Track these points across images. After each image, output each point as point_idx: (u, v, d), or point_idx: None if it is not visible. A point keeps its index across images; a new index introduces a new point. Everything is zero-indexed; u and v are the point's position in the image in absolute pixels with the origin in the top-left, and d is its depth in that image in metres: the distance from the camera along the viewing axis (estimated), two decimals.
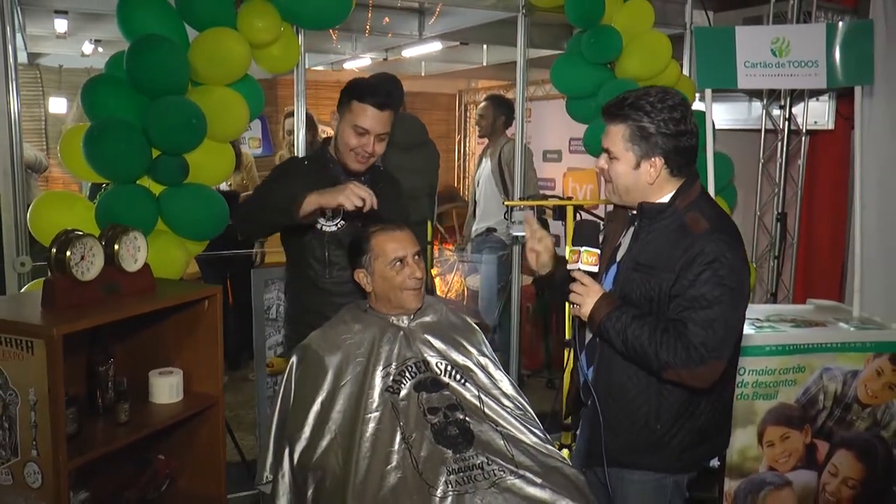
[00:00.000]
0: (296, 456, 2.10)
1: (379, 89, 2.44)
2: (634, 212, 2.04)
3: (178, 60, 2.75)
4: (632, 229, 2.05)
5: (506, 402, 2.24)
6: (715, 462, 2.99)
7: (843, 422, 3.05)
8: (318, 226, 2.51)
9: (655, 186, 1.96)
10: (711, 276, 1.85)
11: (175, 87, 2.78)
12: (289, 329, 2.71)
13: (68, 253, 1.99)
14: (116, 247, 2.14)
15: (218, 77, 2.89)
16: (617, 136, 1.95)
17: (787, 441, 3.01)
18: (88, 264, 2.06)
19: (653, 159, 1.93)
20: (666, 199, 1.97)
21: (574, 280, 1.99)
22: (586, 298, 1.97)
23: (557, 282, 2.16)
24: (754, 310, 3.41)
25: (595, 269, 1.99)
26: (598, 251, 1.99)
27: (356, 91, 2.45)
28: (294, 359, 2.27)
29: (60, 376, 1.83)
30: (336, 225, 2.52)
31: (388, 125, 2.47)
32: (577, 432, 2.22)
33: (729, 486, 2.98)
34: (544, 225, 3.85)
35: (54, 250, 2.01)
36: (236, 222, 2.59)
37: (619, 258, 2.06)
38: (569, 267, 2.01)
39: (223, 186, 4.72)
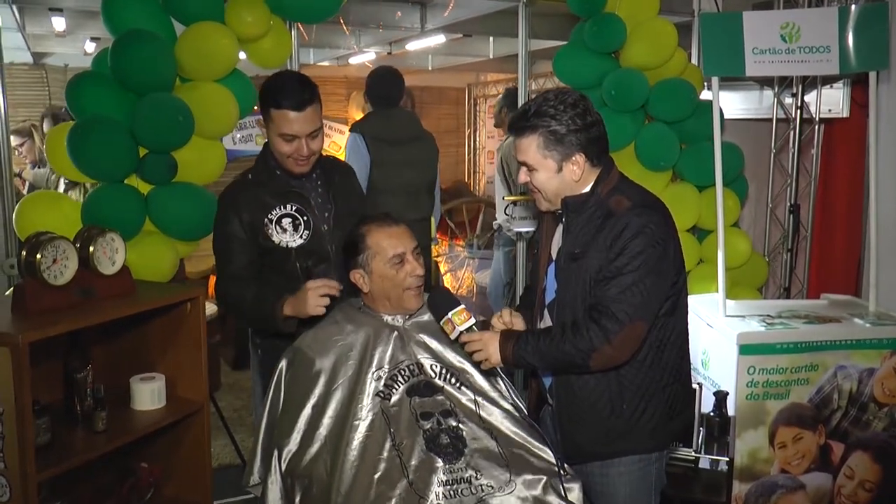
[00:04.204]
0: (284, 463, 2.04)
1: (291, 89, 2.25)
2: (560, 210, 2.06)
3: (164, 56, 2.70)
4: (561, 225, 2.07)
5: (503, 404, 2.15)
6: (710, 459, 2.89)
7: (858, 422, 2.93)
8: (283, 244, 2.33)
9: (581, 181, 1.99)
10: (634, 247, 1.88)
11: (161, 83, 2.73)
12: (263, 351, 2.50)
13: (39, 256, 1.93)
14: (91, 249, 2.07)
15: (206, 72, 2.83)
16: (531, 147, 1.97)
17: (800, 442, 2.90)
18: (61, 268, 1.99)
19: (574, 157, 1.96)
20: (587, 189, 2.00)
21: (465, 345, 2.02)
22: (488, 348, 1.99)
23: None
24: (766, 306, 3.29)
25: (472, 321, 2.02)
26: (462, 305, 2.04)
27: (269, 98, 2.26)
28: (284, 362, 2.21)
29: (28, 385, 1.77)
30: (302, 237, 2.35)
31: (315, 121, 2.28)
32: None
33: (738, 489, 2.87)
34: (537, 214, 3.74)
35: (24, 253, 1.95)
36: (225, 307, 2.48)
37: (554, 255, 2.08)
38: (452, 338, 2.03)
39: None
